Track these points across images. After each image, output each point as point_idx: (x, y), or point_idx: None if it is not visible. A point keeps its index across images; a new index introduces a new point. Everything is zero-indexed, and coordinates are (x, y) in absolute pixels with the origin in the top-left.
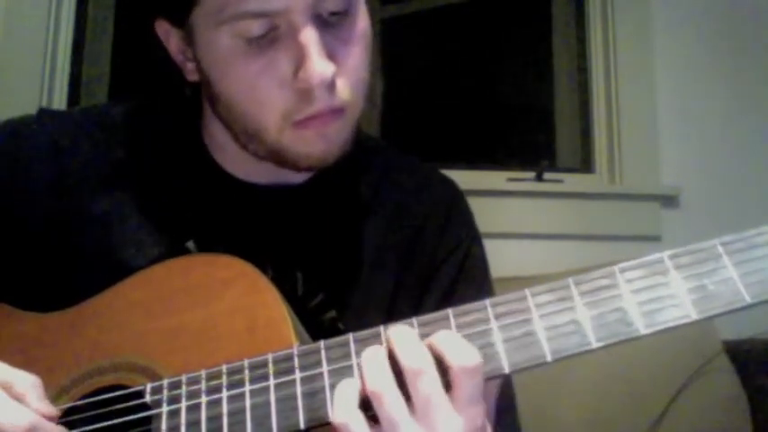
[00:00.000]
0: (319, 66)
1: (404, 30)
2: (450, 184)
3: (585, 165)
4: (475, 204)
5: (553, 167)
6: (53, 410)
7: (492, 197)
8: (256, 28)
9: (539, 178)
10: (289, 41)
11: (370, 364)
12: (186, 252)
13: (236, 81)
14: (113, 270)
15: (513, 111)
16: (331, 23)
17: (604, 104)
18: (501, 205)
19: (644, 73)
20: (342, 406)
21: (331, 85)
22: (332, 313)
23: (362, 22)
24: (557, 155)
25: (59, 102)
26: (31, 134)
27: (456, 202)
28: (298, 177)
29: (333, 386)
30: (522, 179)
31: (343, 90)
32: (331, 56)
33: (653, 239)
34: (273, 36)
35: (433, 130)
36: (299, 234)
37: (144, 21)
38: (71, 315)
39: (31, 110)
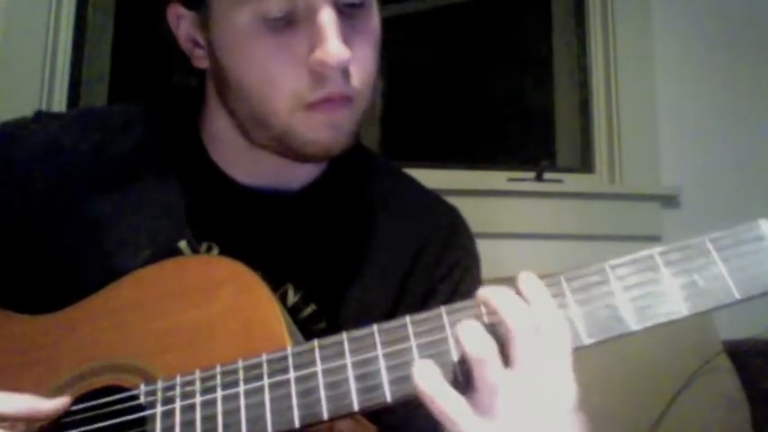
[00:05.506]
0: (337, 47)
1: (404, 30)
2: (452, 210)
3: (585, 165)
4: (475, 204)
5: (553, 167)
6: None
7: (492, 197)
8: (276, 8)
9: (539, 178)
10: (306, 24)
11: (468, 332)
12: (178, 253)
13: (249, 61)
14: (108, 271)
15: (513, 110)
16: (346, 14)
17: (604, 104)
18: (501, 205)
19: (644, 73)
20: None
21: (345, 71)
22: (322, 325)
23: (375, 19)
24: (557, 155)
25: (59, 102)
26: (27, 135)
27: (458, 226)
28: (296, 182)
29: (327, 385)
30: (522, 179)
31: (355, 79)
32: (346, 43)
33: (653, 239)
34: (291, 19)
35: (434, 130)
36: (293, 243)
37: (152, 10)
38: (65, 316)
39: (32, 110)
